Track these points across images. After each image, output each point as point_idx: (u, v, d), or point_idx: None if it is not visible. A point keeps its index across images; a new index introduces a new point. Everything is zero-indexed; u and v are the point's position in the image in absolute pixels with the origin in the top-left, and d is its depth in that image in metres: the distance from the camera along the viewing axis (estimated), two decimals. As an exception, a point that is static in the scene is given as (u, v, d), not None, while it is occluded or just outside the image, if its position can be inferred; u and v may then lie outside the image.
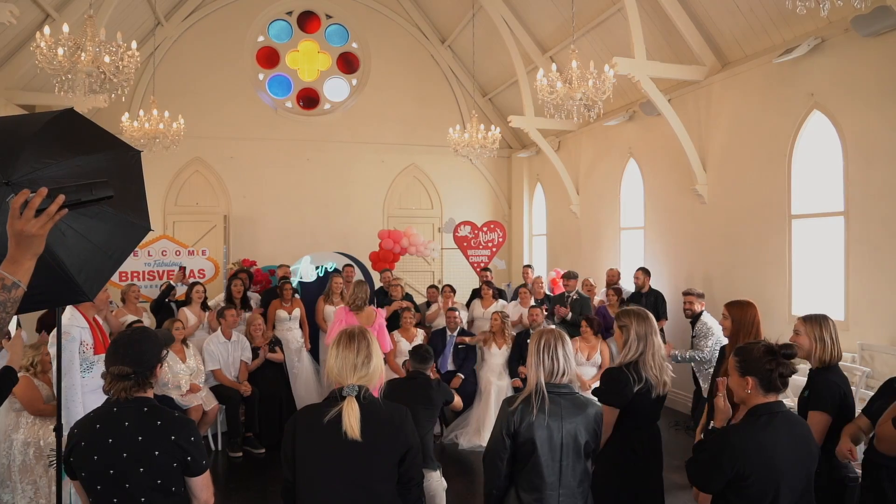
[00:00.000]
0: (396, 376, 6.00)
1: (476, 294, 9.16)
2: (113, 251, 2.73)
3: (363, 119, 13.37)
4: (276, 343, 7.65)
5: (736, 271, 7.77)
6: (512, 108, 12.79)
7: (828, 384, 3.41)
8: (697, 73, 8.32)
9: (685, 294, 6.59)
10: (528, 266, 10.25)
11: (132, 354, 2.50)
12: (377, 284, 9.74)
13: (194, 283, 7.93)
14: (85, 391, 4.19)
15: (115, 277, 9.15)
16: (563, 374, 2.92)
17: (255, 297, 8.74)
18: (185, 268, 9.19)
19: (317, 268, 9.92)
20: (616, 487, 3.38)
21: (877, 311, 6.01)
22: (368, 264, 10.90)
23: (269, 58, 13.32)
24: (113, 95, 6.85)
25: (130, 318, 7.29)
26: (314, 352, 8.37)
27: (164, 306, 8.14)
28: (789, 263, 7.09)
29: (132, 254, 9.16)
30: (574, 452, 2.88)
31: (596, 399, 3.27)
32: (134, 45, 6.76)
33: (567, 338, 3.05)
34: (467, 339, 7.83)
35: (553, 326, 2.40)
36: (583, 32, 9.74)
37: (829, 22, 6.65)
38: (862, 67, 6.26)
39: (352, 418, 2.48)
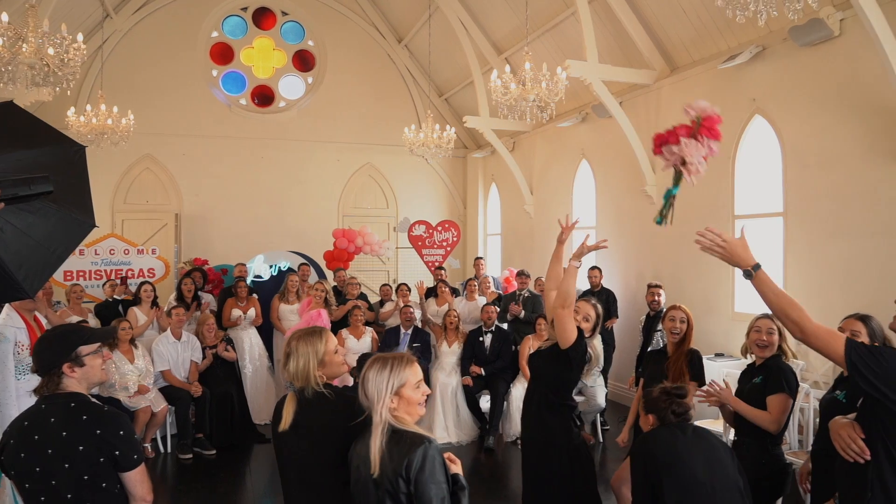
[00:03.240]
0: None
1: (431, 293, 9.20)
2: (55, 247, 2.68)
3: (319, 117, 13.29)
4: (227, 342, 7.57)
5: (683, 270, 7.99)
6: (467, 108, 12.89)
7: (784, 369, 3.62)
8: (647, 77, 8.52)
9: (651, 287, 6.86)
10: (480, 258, 10.35)
11: (36, 353, 2.53)
12: (332, 283, 9.69)
13: (143, 283, 7.78)
14: (20, 393, 4.06)
15: (59, 277, 8.92)
16: None
17: (207, 298, 8.62)
18: (124, 278, 9.13)
19: (270, 266, 9.85)
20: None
21: (813, 308, 6.15)
22: (323, 263, 10.84)
23: (223, 54, 13.13)
24: (58, 89, 6.66)
25: (75, 319, 7.12)
26: (268, 350, 8.32)
27: (109, 305, 8.01)
28: (732, 269, 7.32)
29: (78, 252, 9.08)
30: None
31: None
32: (80, 37, 6.60)
33: None
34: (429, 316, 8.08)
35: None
36: (537, 35, 9.88)
37: (769, 31, 6.90)
38: (799, 75, 6.52)
39: (287, 413, 2.58)
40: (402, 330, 7.88)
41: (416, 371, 2.38)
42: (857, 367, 2.18)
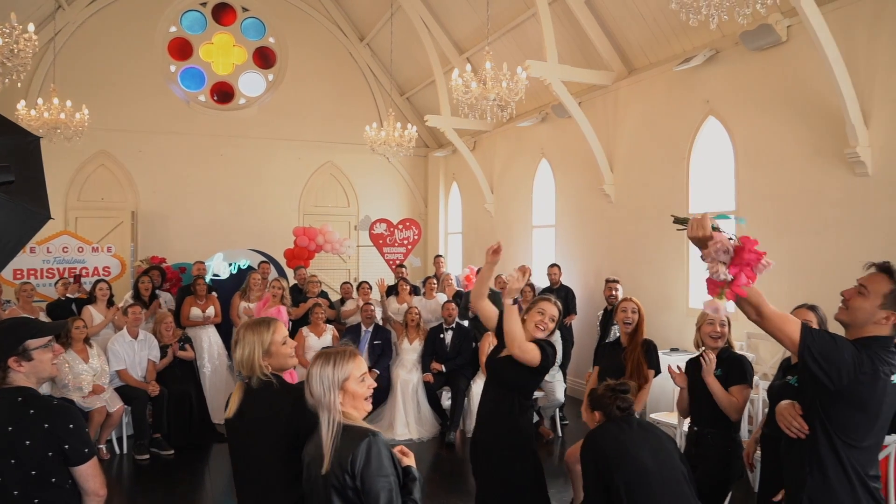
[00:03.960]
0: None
1: (392, 291, 9.22)
2: (8, 239, 2.64)
3: (279, 115, 13.18)
4: (185, 341, 7.47)
5: (640, 267, 8.17)
6: (429, 107, 12.94)
7: (742, 360, 3.81)
8: (606, 78, 8.68)
9: (608, 281, 7.03)
10: (440, 256, 10.41)
11: None
12: (292, 282, 9.64)
13: (98, 281, 7.63)
14: None
15: (9, 275, 8.69)
16: None
17: (165, 296, 8.50)
18: (78, 277, 8.95)
19: (230, 265, 9.75)
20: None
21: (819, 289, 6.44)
22: (283, 262, 10.77)
23: (181, 49, 12.92)
24: (7, 81, 6.49)
25: (27, 316, 6.94)
26: (228, 349, 8.23)
27: (61, 304, 7.83)
28: (687, 259, 7.53)
29: (29, 250, 8.85)
30: None
31: None
32: (31, 27, 6.45)
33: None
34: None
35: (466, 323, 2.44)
36: (498, 35, 9.98)
37: (722, 35, 7.12)
38: (750, 78, 6.73)
39: (232, 402, 2.62)
40: (363, 328, 7.89)
41: (359, 364, 2.34)
42: (811, 349, 2.32)
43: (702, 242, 2.36)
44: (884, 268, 2.43)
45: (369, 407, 2.37)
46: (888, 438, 4.06)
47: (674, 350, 7.19)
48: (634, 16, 8.02)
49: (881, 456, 4.06)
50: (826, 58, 5.52)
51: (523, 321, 3.52)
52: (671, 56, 7.87)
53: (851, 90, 5.57)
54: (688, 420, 4.04)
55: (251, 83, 13.36)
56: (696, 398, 3.85)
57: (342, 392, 2.27)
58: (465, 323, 8.05)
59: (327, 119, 13.47)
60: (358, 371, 2.32)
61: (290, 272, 10.28)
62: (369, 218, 12.01)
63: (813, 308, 3.52)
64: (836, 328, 2.62)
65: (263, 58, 13.42)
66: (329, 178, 13.79)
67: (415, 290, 9.20)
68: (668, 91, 7.84)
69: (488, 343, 7.17)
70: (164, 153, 12.32)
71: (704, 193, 7.47)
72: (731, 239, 2.33)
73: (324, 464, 2.17)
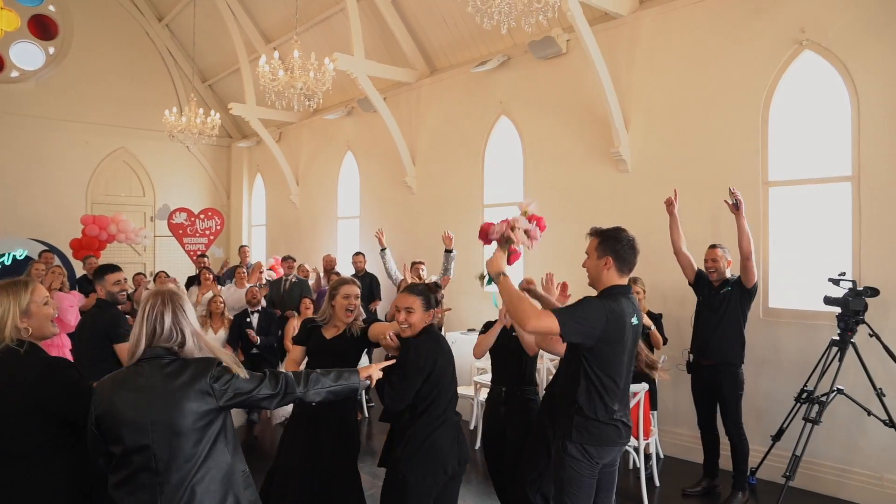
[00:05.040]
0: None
1: (193, 281, 8.92)
2: None
3: (63, 93, 12.06)
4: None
5: (441, 254, 8.68)
6: (233, 96, 12.60)
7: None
8: (409, 76, 9.13)
9: (415, 264, 7.42)
10: (245, 246, 10.25)
11: None
12: (80, 273, 8.95)
13: None
14: None
15: None
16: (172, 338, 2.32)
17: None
18: None
19: (2, 255, 8.83)
20: None
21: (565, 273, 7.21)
22: (69, 252, 9.94)
23: (-63, 11, 11.35)
24: None
25: None
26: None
27: None
28: (482, 245, 8.18)
29: None
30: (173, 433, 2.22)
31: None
32: None
33: (181, 299, 2.40)
34: None
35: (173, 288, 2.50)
36: (307, 27, 10.05)
37: (514, 44, 7.84)
38: (536, 83, 7.51)
39: None
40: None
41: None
42: (569, 329, 2.84)
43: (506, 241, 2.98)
44: (590, 232, 3.14)
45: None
46: (636, 386, 4.84)
47: (471, 330, 7.77)
48: (437, 20, 8.55)
49: (633, 402, 4.82)
50: (596, 69, 6.35)
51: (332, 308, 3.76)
52: (470, 59, 8.49)
53: (615, 99, 6.46)
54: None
55: (26, 54, 12.04)
56: (499, 359, 4.25)
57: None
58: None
59: (120, 102, 12.58)
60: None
61: (78, 264, 9.51)
62: (168, 207, 11.43)
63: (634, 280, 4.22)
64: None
65: (42, 27, 12.17)
66: (122, 166, 12.88)
67: (218, 281, 8.99)
68: (466, 91, 8.45)
69: (293, 326, 7.27)
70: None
71: (497, 185, 8.17)
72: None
73: None
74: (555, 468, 3.09)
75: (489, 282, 3.07)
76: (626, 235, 3.06)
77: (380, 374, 2.69)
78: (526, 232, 2.98)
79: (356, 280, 3.98)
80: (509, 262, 3.03)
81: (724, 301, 4.92)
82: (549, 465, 3.66)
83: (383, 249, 7.04)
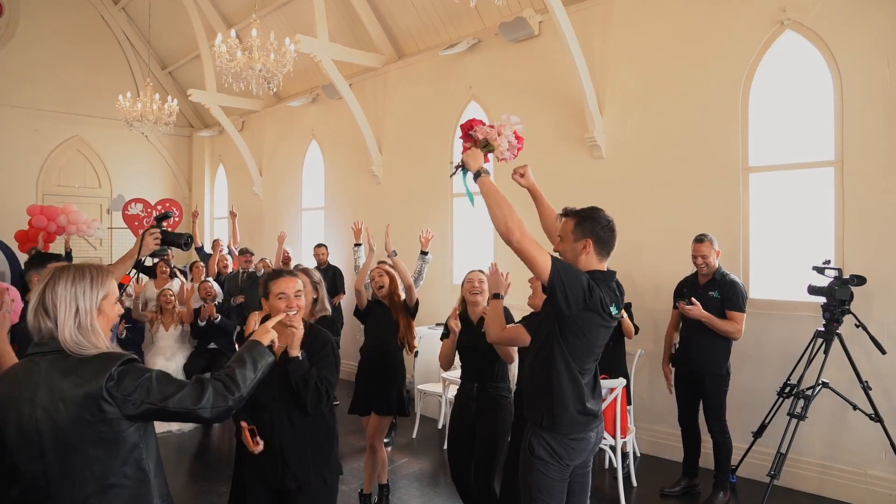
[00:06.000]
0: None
1: (151, 273, 8.46)
2: None
3: (8, 78, 11.40)
4: None
5: (408, 246, 8.34)
6: (194, 83, 12.08)
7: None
8: (376, 61, 8.76)
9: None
10: (217, 239, 9.81)
11: None
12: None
13: None
14: None
15: None
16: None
17: None
18: None
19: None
20: None
21: (515, 277, 6.90)
22: (15, 245, 9.39)
23: None
24: None
25: None
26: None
27: None
28: (451, 238, 7.88)
29: None
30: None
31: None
32: None
33: (82, 275, 1.94)
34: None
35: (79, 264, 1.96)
36: (269, 10, 9.64)
37: (484, 27, 7.54)
38: (507, 67, 7.21)
39: None
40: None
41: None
42: (560, 275, 2.53)
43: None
44: (564, 213, 2.83)
45: None
46: (614, 382, 4.57)
47: (439, 325, 7.46)
48: (405, 2, 8.19)
49: (609, 399, 4.55)
50: (570, 51, 6.07)
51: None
52: (439, 43, 8.16)
53: (590, 82, 6.20)
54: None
55: (-30, 37, 11.41)
56: (468, 357, 4.01)
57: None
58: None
59: (73, 88, 11.97)
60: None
61: (24, 257, 8.96)
62: (123, 197, 10.91)
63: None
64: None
65: (-12, 9, 11.53)
66: (76, 155, 12.28)
67: (176, 274, 8.55)
68: (434, 76, 8.12)
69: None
70: None
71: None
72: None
73: None
74: (521, 472, 2.79)
75: (464, 173, 2.84)
76: (604, 215, 2.77)
77: (275, 334, 2.24)
78: (509, 144, 2.82)
79: (309, 270, 3.64)
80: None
81: (709, 306, 4.64)
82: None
83: (358, 244, 6.47)
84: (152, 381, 1.84)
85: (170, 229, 10.51)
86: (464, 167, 2.82)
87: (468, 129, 2.88)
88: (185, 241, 3.23)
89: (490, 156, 2.88)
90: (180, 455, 6.14)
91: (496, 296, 3.42)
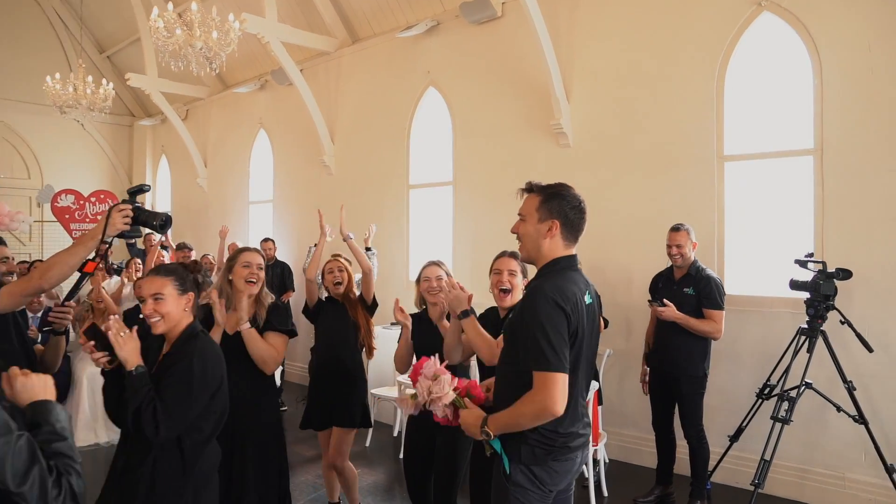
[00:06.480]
0: None
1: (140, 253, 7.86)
2: None
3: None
4: None
5: (361, 242, 7.90)
6: (135, 68, 11.32)
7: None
8: (329, 45, 8.27)
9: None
10: (150, 233, 9.15)
11: None
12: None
13: None
14: None
15: None
16: None
17: None
18: None
19: None
20: None
21: (475, 261, 6.45)
22: (-72, 238, 8.59)
23: None
24: None
25: None
26: None
27: None
28: (408, 232, 7.45)
29: None
30: None
31: None
32: None
33: None
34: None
35: None
36: (214, -10, 9.02)
37: (444, 9, 7.13)
38: (468, 51, 6.81)
39: None
40: (30, 314, 6.47)
41: None
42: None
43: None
44: (527, 188, 2.43)
45: None
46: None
47: (394, 324, 7.03)
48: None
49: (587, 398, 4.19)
50: (536, 34, 5.71)
51: None
52: (395, 26, 7.71)
53: (556, 66, 5.85)
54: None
55: None
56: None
57: None
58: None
59: (0, 72, 11.13)
60: None
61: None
62: (52, 188, 10.13)
63: (513, 254, 3.38)
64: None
65: None
66: (1, 143, 11.42)
67: (112, 271, 7.93)
68: (390, 61, 7.68)
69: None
70: None
71: (424, 164, 7.44)
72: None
73: None
74: (494, 499, 2.38)
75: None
76: (574, 193, 2.36)
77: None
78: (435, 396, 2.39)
79: (260, 251, 3.41)
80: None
81: (684, 303, 4.33)
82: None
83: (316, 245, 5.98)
84: None
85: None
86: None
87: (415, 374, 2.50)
88: (161, 222, 2.55)
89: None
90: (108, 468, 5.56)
91: (464, 314, 2.87)
